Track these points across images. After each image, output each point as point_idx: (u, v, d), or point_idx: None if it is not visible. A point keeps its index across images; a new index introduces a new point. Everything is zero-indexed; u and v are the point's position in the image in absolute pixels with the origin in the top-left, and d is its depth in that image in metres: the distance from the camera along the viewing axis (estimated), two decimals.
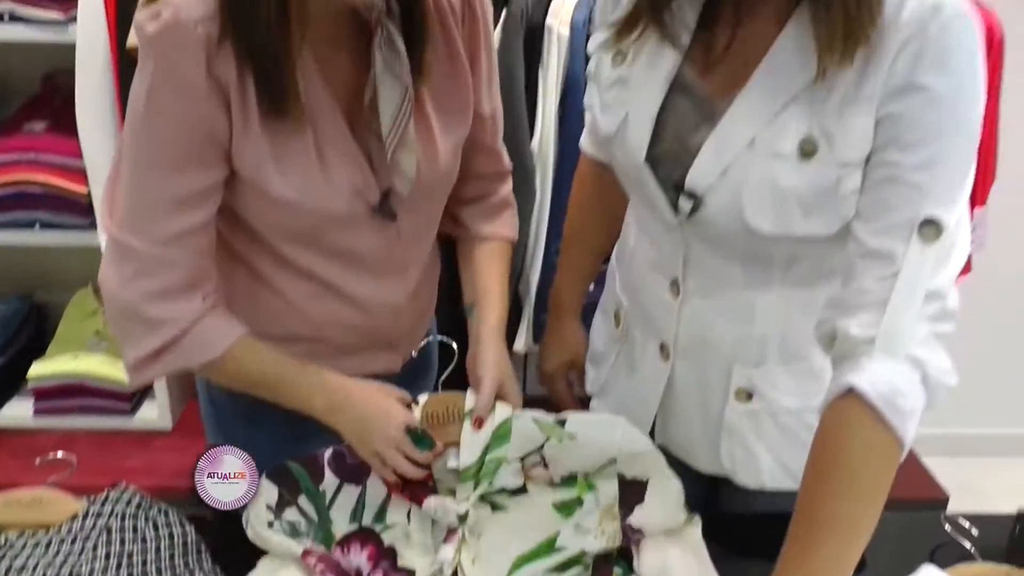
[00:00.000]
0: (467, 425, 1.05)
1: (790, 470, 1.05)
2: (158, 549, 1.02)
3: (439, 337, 1.32)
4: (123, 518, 1.04)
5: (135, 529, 1.03)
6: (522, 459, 1.05)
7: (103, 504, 1.05)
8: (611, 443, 1.03)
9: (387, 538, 1.06)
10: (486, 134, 1.19)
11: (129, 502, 1.05)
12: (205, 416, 1.29)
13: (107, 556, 1.01)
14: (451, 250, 1.28)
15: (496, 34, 1.74)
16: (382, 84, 1.01)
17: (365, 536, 1.06)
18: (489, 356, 1.11)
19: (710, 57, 0.93)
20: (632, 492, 1.03)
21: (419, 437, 1.05)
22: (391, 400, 1.08)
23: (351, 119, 1.03)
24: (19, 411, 2.17)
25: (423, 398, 1.09)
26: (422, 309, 1.25)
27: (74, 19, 1.81)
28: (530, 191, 1.86)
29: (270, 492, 1.05)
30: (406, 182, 1.05)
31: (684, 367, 1.07)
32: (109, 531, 1.02)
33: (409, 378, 1.24)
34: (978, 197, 2.01)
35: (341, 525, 1.06)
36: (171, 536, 1.04)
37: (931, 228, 0.78)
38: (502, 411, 1.07)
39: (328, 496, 1.07)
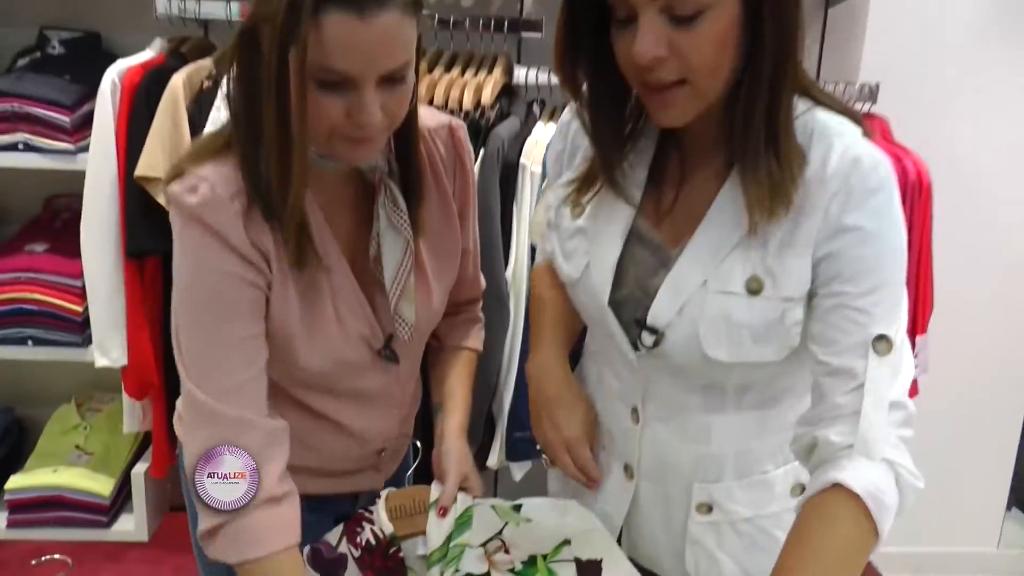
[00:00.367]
0: (432, 514, 1.13)
1: (750, 572, 1.12)
2: None
3: (412, 441, 1.42)
4: None
5: None
6: (484, 545, 1.12)
7: None
8: (564, 524, 1.11)
9: None
10: (468, 267, 1.29)
11: None
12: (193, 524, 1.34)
13: None
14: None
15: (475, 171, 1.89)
16: (385, 240, 1.09)
17: None
18: (453, 452, 1.19)
19: (660, 210, 1.02)
20: (589, 572, 1.10)
21: None
22: None
23: (356, 271, 1.11)
24: None
25: (386, 492, 1.17)
26: (407, 433, 1.33)
27: (83, 149, 1.96)
28: (504, 316, 1.98)
29: None
30: (407, 329, 1.14)
31: (648, 486, 1.13)
32: None
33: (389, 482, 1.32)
34: (919, 326, 2.17)
35: None
36: None
37: (883, 343, 0.89)
38: (463, 500, 1.15)
39: None
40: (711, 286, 0.95)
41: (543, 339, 1.20)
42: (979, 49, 2.40)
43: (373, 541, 1.12)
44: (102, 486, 2.18)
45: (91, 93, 2.00)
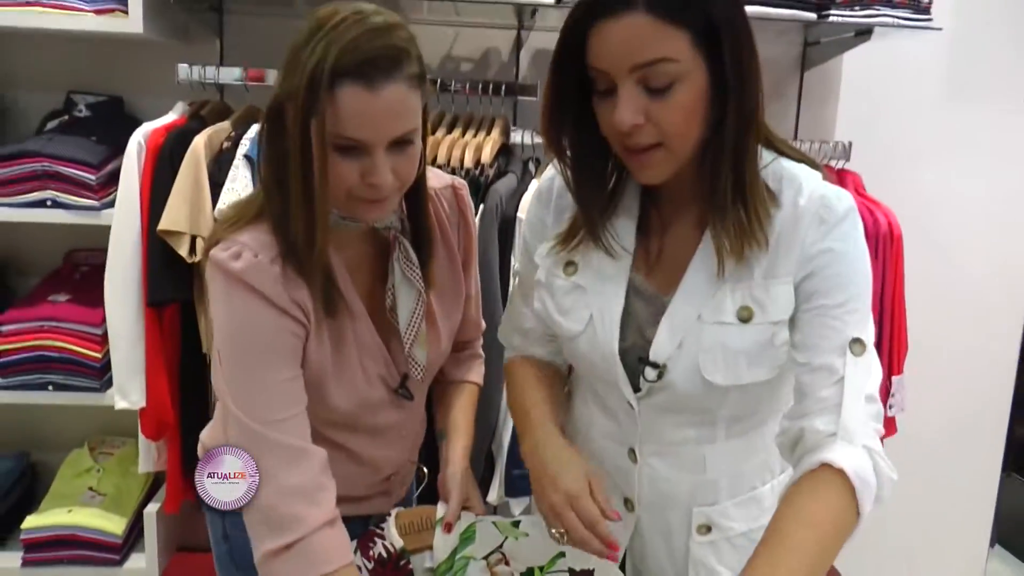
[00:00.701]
0: (438, 531, 1.24)
1: None
2: None
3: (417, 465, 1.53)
4: None
5: None
6: (486, 557, 1.23)
7: None
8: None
9: None
10: (470, 310, 1.41)
11: None
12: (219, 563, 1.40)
13: None
14: None
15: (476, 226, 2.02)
16: (400, 291, 1.21)
17: None
18: (457, 474, 1.29)
19: (649, 261, 1.12)
20: None
21: None
22: None
23: (374, 320, 1.23)
24: (6, 563, 2.24)
25: (395, 511, 1.28)
26: (414, 460, 1.44)
27: (107, 204, 2.08)
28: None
29: None
30: (419, 370, 1.26)
31: (648, 516, 1.20)
32: None
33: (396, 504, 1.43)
34: (895, 366, 2.29)
35: None
36: None
37: (857, 345, 1.00)
38: (467, 517, 1.25)
39: None
40: (706, 319, 1.05)
41: (531, 422, 1.19)
42: (943, 110, 2.57)
43: (385, 555, 1.23)
44: (115, 525, 2.25)
45: (115, 153, 2.14)
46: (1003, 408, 2.77)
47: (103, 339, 2.13)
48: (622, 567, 1.27)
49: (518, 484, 2.11)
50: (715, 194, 1.02)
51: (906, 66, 2.51)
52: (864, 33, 2.22)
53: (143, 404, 2.00)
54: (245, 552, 1.28)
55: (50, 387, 2.16)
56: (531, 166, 2.30)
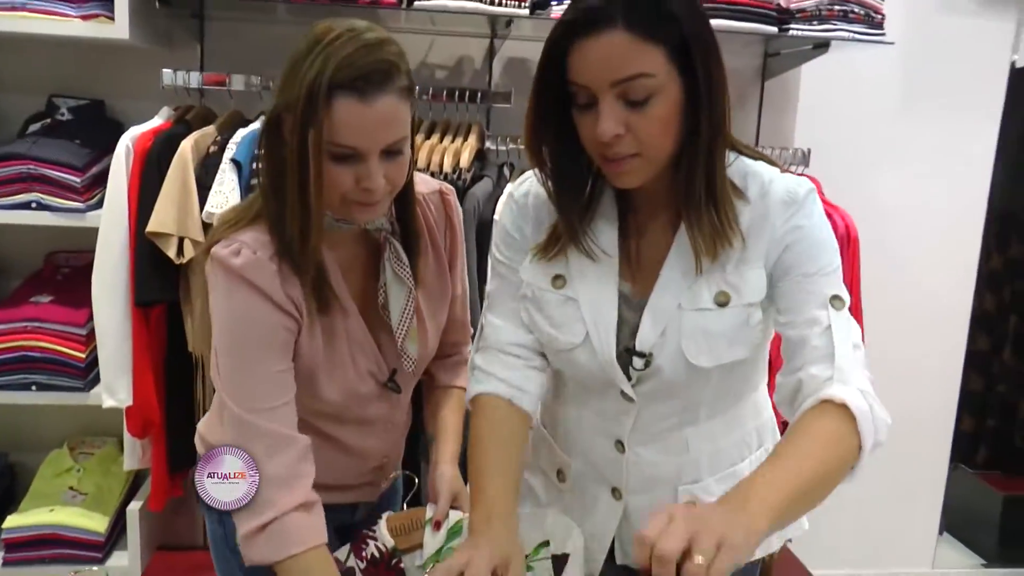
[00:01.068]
0: (428, 529, 1.30)
1: None
2: None
3: (404, 472, 1.59)
4: None
5: None
6: None
7: None
8: (543, 528, 1.25)
9: None
10: (457, 309, 1.47)
11: None
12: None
13: None
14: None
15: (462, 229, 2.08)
16: (391, 289, 1.27)
17: None
18: (445, 475, 1.35)
19: (631, 264, 1.17)
20: (559, 564, 1.23)
21: None
22: None
23: (366, 317, 1.28)
24: None
25: (386, 514, 1.33)
26: (399, 452, 1.51)
27: (92, 207, 2.12)
28: None
29: None
30: (411, 362, 1.32)
31: (635, 500, 1.24)
32: None
33: (384, 506, 1.48)
34: None
35: None
36: None
37: (837, 300, 1.08)
38: (455, 515, 1.31)
39: None
40: (685, 307, 1.12)
41: (483, 502, 1.14)
42: (895, 119, 2.71)
43: (377, 555, 1.28)
44: (97, 523, 2.28)
45: (100, 156, 2.18)
46: (951, 404, 2.92)
47: (87, 339, 2.17)
48: (611, 553, 1.32)
49: None
50: (689, 198, 1.09)
51: (860, 77, 2.63)
52: (822, 46, 2.34)
53: (130, 402, 2.04)
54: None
55: (34, 387, 2.18)
56: (505, 170, 2.38)
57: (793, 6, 2.23)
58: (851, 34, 2.25)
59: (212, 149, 2.00)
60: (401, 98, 1.13)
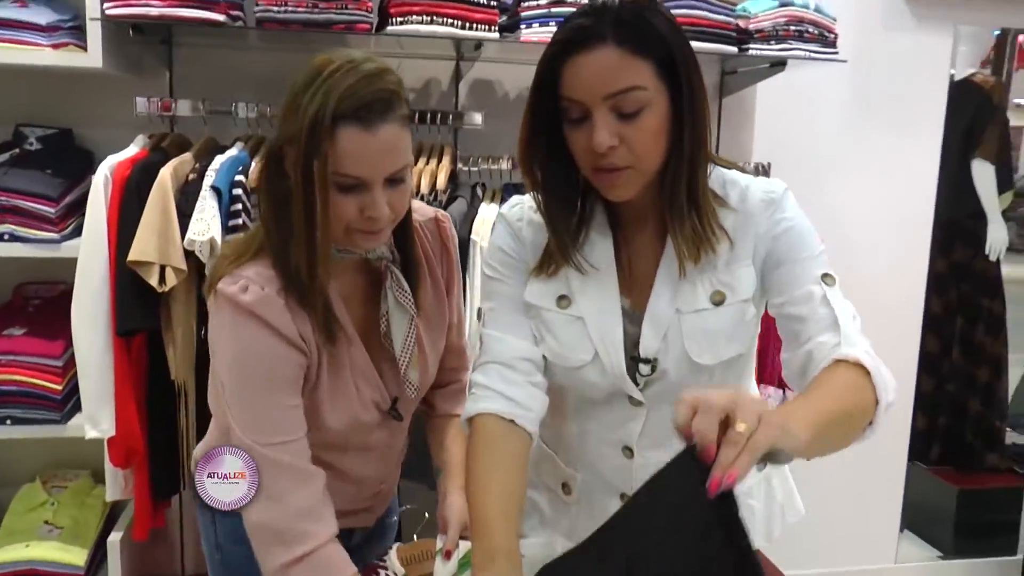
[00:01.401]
0: (438, 559, 1.32)
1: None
2: None
3: (408, 507, 1.61)
4: None
5: None
6: None
7: None
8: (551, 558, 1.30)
9: None
10: (453, 336, 1.48)
11: None
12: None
13: None
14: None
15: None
16: (394, 317, 1.28)
17: None
18: (455, 505, 1.36)
19: (626, 280, 1.21)
20: None
21: None
22: None
23: (368, 347, 1.29)
24: None
25: (396, 545, 1.36)
26: (395, 476, 1.52)
27: (67, 237, 2.10)
28: None
29: None
30: (413, 389, 1.33)
31: None
32: None
33: (379, 531, 1.53)
34: None
35: None
36: None
37: (828, 278, 1.14)
38: (465, 545, 1.32)
39: None
40: (683, 310, 1.18)
41: (487, 539, 1.10)
42: (846, 132, 2.83)
43: None
44: (75, 557, 2.25)
45: (72, 185, 2.17)
46: (907, 404, 3.03)
47: (63, 371, 2.15)
48: None
49: None
50: (673, 207, 1.14)
51: (812, 93, 2.74)
52: (778, 64, 2.44)
53: (113, 433, 2.02)
54: (234, 560, 1.37)
55: (8, 421, 2.15)
56: (479, 190, 2.42)
57: (752, 27, 2.33)
58: (807, 53, 2.35)
59: (191, 177, 2.01)
60: (402, 126, 1.15)
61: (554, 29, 2.13)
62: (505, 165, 2.38)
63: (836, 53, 2.41)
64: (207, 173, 1.99)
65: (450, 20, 2.13)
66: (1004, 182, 3.21)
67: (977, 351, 3.26)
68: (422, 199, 2.17)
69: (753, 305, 1.19)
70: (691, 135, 1.11)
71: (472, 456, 1.19)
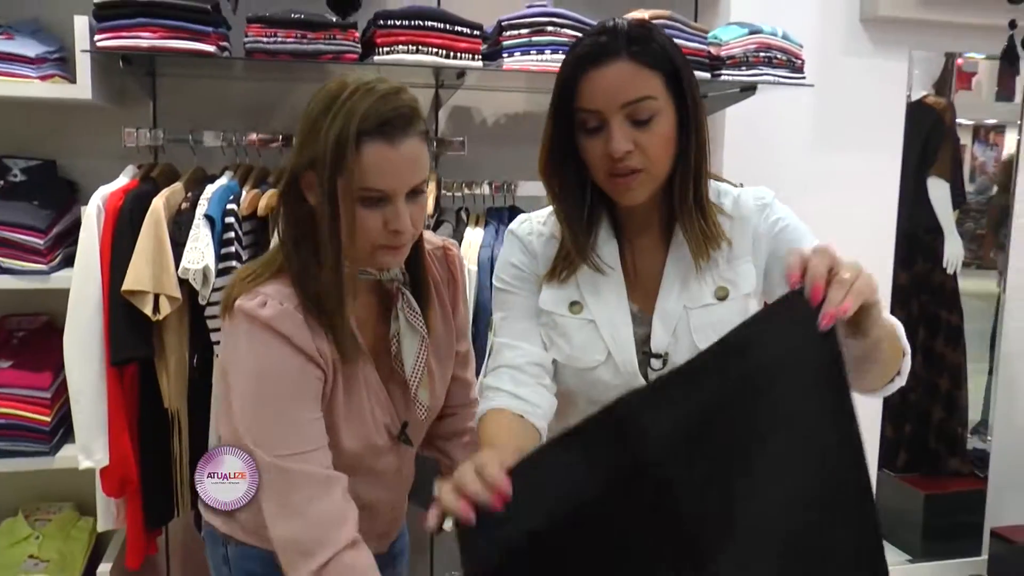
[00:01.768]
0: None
1: None
2: None
3: None
4: None
5: None
6: None
7: None
8: None
9: None
10: (459, 366, 1.51)
11: None
12: None
13: None
14: None
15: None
16: (404, 338, 1.31)
17: None
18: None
19: (632, 284, 1.29)
20: None
21: None
22: None
23: (378, 368, 1.32)
24: None
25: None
26: (404, 503, 1.53)
27: (55, 268, 2.10)
28: None
29: None
30: (424, 411, 1.36)
31: None
32: None
33: (391, 557, 1.53)
34: None
35: None
36: None
37: None
38: None
39: None
40: (690, 306, 1.27)
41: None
42: (811, 153, 2.94)
43: None
44: None
45: (60, 216, 2.18)
46: (876, 413, 3.13)
47: (51, 402, 2.13)
48: None
49: None
50: (683, 208, 1.25)
51: (778, 116, 2.84)
52: (748, 89, 2.53)
53: (107, 462, 2.02)
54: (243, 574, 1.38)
55: None
56: (463, 214, 2.47)
57: (723, 53, 2.42)
58: (776, 78, 2.45)
59: (184, 206, 2.02)
60: (422, 140, 1.21)
61: (535, 58, 2.25)
62: (487, 190, 2.44)
63: (803, 78, 2.51)
64: (199, 202, 2.01)
65: (435, 49, 2.18)
66: (957, 198, 3.35)
67: (938, 361, 3.38)
68: None
69: (755, 299, 1.30)
70: (696, 143, 1.23)
71: (481, 438, 1.25)
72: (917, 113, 3.12)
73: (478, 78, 2.46)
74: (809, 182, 2.92)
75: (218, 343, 1.94)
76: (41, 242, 2.06)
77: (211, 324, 1.98)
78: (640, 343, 1.28)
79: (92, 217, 1.96)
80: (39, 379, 2.13)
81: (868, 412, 3.20)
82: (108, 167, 2.21)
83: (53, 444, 2.15)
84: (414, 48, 2.16)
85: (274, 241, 1.40)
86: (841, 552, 0.95)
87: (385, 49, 2.15)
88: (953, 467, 3.41)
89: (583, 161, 1.24)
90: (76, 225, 2.21)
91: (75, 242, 2.08)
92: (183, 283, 1.96)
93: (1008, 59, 2.02)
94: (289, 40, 2.07)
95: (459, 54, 2.22)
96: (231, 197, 2.04)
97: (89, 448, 2.00)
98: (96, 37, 1.97)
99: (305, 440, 1.22)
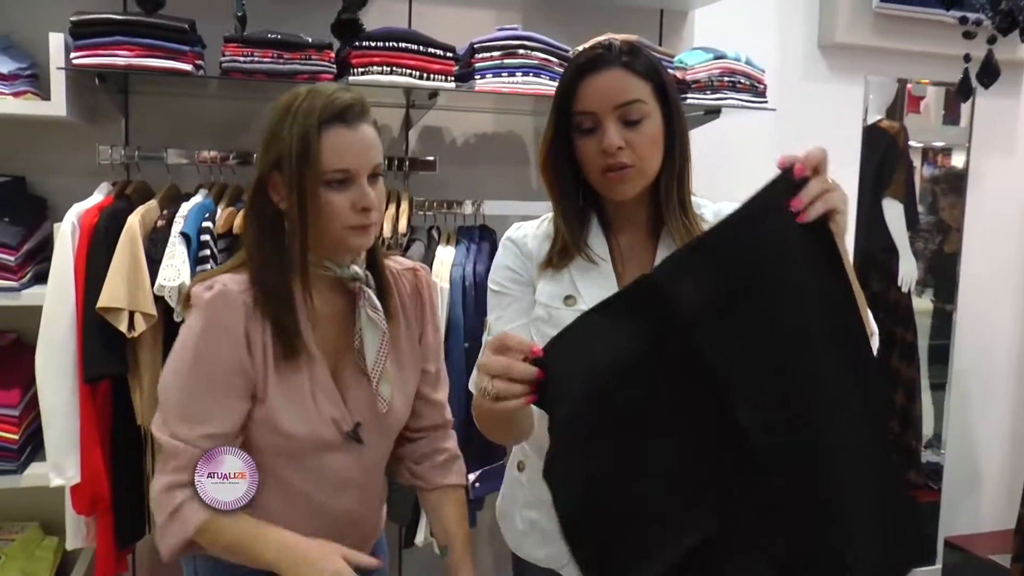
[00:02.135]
0: None
1: None
2: None
3: None
4: None
5: None
6: None
7: None
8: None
9: None
10: (429, 387, 1.55)
11: None
12: None
13: None
14: None
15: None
16: (366, 333, 1.37)
17: None
18: None
19: (621, 281, 1.37)
20: None
21: None
22: (331, 546, 1.30)
23: (340, 364, 1.38)
24: None
25: None
26: (377, 519, 1.55)
27: (26, 285, 2.09)
28: None
29: None
30: (385, 404, 1.40)
31: None
32: None
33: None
34: None
35: None
36: None
37: None
38: None
39: None
40: None
41: None
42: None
43: None
44: None
45: (29, 233, 2.16)
46: None
47: (19, 420, 2.11)
48: None
49: None
50: (669, 205, 1.36)
51: (740, 138, 2.92)
52: (712, 112, 2.61)
53: (78, 480, 2.00)
54: None
55: None
56: (434, 233, 2.50)
57: (689, 77, 2.49)
58: (740, 102, 2.53)
59: (160, 224, 2.03)
60: (375, 128, 1.33)
61: (507, 79, 2.29)
62: (469, 209, 2.48)
63: (766, 102, 2.60)
64: (175, 220, 2.02)
65: (409, 70, 2.22)
66: (911, 219, 3.46)
67: (894, 376, 3.48)
68: (383, 243, 2.23)
69: None
70: (680, 147, 1.36)
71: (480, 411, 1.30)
72: (872, 136, 3.23)
73: (449, 99, 2.50)
74: None
75: None
76: (12, 259, 2.05)
77: None
78: None
79: (67, 234, 1.96)
80: (7, 396, 2.10)
81: None
82: (79, 184, 2.21)
83: (20, 462, 2.13)
84: (388, 69, 2.20)
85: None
86: (853, 404, 1.05)
87: (360, 70, 2.19)
88: (909, 479, 3.51)
89: (578, 163, 1.36)
90: (47, 242, 2.21)
91: (46, 259, 2.07)
92: (158, 300, 1.96)
93: (963, 92, 2.13)
94: (266, 60, 2.09)
95: (432, 75, 2.26)
96: (206, 215, 2.06)
97: (60, 466, 1.99)
98: (72, 55, 1.98)
99: (213, 420, 1.29)
